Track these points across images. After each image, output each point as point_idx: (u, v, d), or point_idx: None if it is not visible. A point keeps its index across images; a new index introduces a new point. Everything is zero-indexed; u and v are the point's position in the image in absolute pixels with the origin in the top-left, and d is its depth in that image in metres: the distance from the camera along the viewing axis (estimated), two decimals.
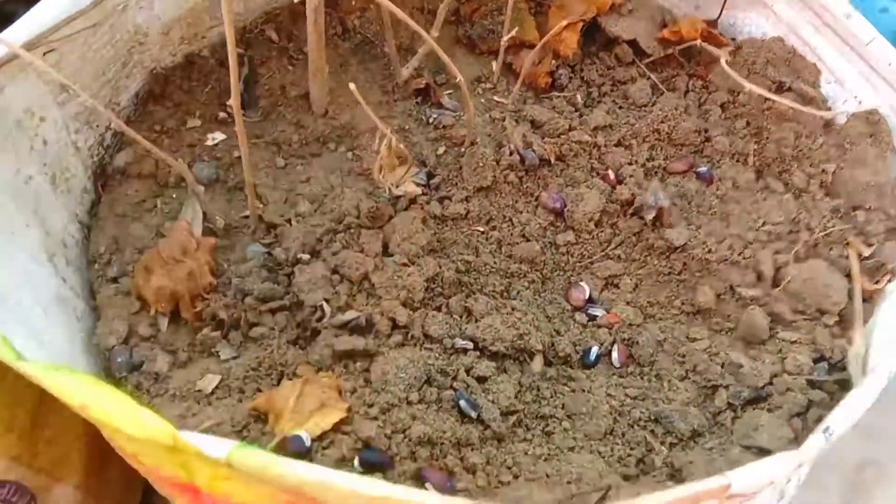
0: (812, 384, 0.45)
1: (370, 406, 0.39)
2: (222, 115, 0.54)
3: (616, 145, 0.55)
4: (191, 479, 0.29)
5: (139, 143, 0.49)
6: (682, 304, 0.51)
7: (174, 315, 0.44)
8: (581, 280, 0.51)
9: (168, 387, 0.41)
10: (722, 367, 0.46)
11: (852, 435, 0.67)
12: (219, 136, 0.53)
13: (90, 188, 0.49)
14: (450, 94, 0.58)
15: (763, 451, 0.41)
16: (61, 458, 0.45)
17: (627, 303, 0.50)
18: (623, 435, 0.43)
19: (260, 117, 0.55)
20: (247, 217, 0.50)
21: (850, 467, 0.63)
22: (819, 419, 0.43)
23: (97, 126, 0.49)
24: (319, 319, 0.44)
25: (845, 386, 0.45)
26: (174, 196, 0.50)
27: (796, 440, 0.42)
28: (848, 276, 0.48)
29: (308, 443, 0.36)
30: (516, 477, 0.40)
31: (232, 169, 0.52)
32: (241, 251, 0.48)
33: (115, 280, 0.45)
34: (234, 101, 0.37)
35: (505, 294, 0.49)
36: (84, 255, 0.47)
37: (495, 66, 0.59)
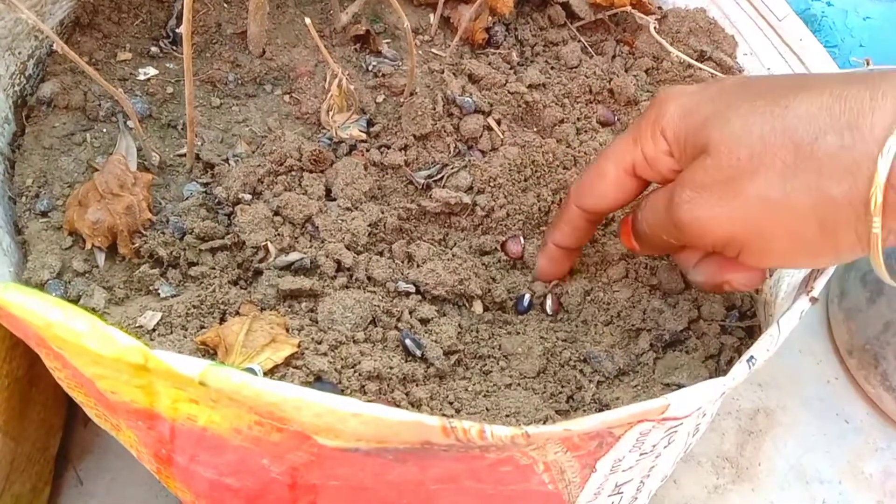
0: (724, 330, 0.49)
1: (319, 343, 0.40)
2: (154, 49, 0.52)
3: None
4: (150, 404, 0.29)
5: (65, 74, 0.47)
6: (605, 257, 0.53)
7: (110, 251, 0.42)
8: (516, 233, 0.53)
9: (107, 322, 0.39)
10: (644, 313, 0.50)
11: (747, 384, 0.72)
12: (151, 71, 0.51)
13: (11, 118, 0.46)
14: (388, 43, 0.58)
15: (682, 388, 0.45)
16: None
17: None
18: (555, 374, 0.46)
19: (194, 54, 0.53)
20: (181, 155, 0.48)
21: (744, 414, 0.69)
22: (730, 361, 0.48)
23: (19, 54, 0.47)
24: (262, 260, 0.44)
25: (751, 332, 0.50)
26: (104, 130, 0.48)
27: (710, 379, 0.46)
28: None
29: (260, 375, 0.36)
30: (458, 411, 0.41)
31: (165, 105, 0.50)
32: (176, 189, 0.47)
33: (44, 214, 0.43)
34: (185, 28, 0.36)
35: (443, 242, 0.51)
36: (5, 188, 0.45)
37: (433, 18, 0.59)
